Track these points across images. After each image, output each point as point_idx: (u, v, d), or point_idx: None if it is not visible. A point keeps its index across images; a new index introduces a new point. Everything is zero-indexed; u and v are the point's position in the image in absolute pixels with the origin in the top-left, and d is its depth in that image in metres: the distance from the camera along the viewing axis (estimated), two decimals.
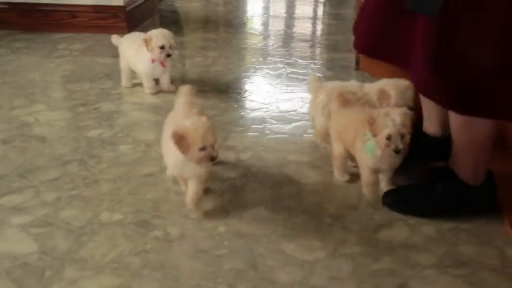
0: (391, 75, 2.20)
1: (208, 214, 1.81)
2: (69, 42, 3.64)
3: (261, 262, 1.60)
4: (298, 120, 2.50)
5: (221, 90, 2.86)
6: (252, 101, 2.74)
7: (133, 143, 2.29)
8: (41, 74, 3.07)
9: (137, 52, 2.69)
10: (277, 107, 2.65)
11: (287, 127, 2.43)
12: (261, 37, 3.98)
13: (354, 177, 2.00)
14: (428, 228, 1.75)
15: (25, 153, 2.21)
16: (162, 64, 2.68)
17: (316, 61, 3.42)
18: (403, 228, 1.75)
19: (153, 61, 2.65)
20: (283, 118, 2.52)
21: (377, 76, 2.32)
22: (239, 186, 1.97)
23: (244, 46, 3.71)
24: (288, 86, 2.92)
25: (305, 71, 3.17)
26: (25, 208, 1.85)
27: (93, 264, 1.59)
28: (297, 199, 1.90)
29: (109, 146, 2.26)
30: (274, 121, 2.49)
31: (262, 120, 2.49)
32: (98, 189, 1.96)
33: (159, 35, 2.60)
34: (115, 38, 2.87)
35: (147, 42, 2.60)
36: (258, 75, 3.11)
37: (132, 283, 1.52)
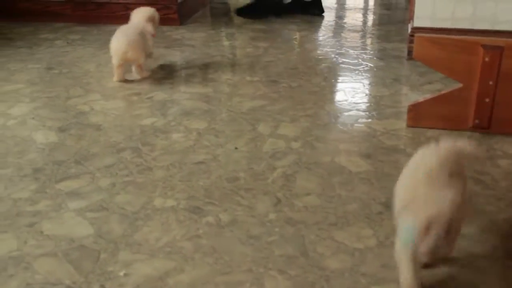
0: (445, 64, 2.17)
1: (258, 200, 1.82)
2: None
3: (311, 249, 1.60)
4: (349, 110, 2.48)
5: (271, 80, 2.87)
6: (302, 91, 2.74)
7: (185, 131, 2.33)
8: (96, 65, 3.14)
9: None
10: (328, 97, 2.64)
11: (338, 117, 2.42)
12: (312, 28, 3.96)
13: (401, 165, 1.98)
14: (481, 217, 1.72)
15: (81, 140, 2.27)
16: None
17: (367, 51, 3.39)
18: None
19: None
20: (334, 108, 2.51)
21: (430, 66, 2.29)
22: (290, 175, 1.98)
23: (294, 37, 3.71)
24: (339, 76, 2.90)
25: (356, 61, 3.15)
26: (82, 193, 1.90)
27: (147, 248, 1.62)
28: (348, 188, 1.90)
29: (162, 134, 2.30)
30: (325, 111, 2.48)
31: (314, 110, 2.49)
32: (151, 176, 1.99)
33: None
34: None
35: None
36: (309, 65, 3.10)
37: (184, 267, 1.54)
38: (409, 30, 3.17)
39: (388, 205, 1.79)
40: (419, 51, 2.20)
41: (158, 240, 1.66)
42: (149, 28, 2.89)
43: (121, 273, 1.52)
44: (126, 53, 2.76)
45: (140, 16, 2.93)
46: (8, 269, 1.55)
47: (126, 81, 2.89)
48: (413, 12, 3.05)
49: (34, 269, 1.55)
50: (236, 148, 2.16)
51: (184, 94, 2.72)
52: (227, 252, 1.60)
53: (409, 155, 2.00)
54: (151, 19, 2.92)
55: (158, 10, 3.37)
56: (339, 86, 2.76)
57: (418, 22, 3.02)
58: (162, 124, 2.39)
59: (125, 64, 2.84)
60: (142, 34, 2.83)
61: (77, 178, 2.00)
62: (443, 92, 2.30)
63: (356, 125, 2.35)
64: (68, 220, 1.76)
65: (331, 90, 2.71)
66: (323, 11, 4.28)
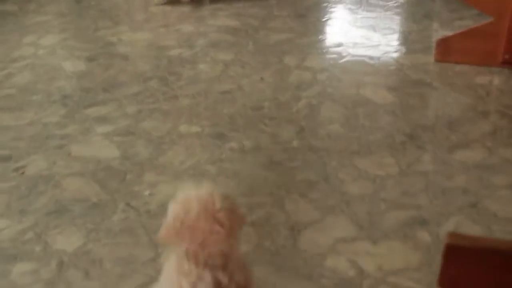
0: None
1: (281, 127, 1.84)
2: None
3: (333, 175, 1.62)
4: (378, 45, 2.45)
5: (300, 15, 2.83)
6: (330, 25, 2.71)
7: (211, 62, 2.33)
8: None
9: None
10: (356, 32, 2.60)
11: (365, 51, 2.40)
12: None
13: (427, 98, 1.97)
14: (506, 150, 1.71)
15: (109, 69, 2.30)
16: None
17: None
18: (479, 150, 1.72)
19: None
20: (361, 42, 2.48)
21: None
22: (314, 105, 1.99)
23: None
24: (368, 11, 2.85)
25: None
26: (109, 118, 1.94)
27: (171, 170, 1.66)
28: (372, 118, 1.90)
29: (189, 64, 2.31)
30: (351, 45, 2.46)
31: (340, 44, 2.46)
32: (177, 104, 2.02)
33: None
34: None
35: None
36: (337, 1, 3.05)
37: None
38: None
39: (412, 136, 1.79)
40: None
41: (182, 163, 1.69)
42: None
43: (146, 193, 1.57)
44: None
45: None
46: (38, 186, 1.61)
47: (155, 14, 2.88)
48: None
49: (63, 187, 1.60)
50: (261, 78, 2.16)
51: (211, 27, 2.70)
52: (249, 176, 1.63)
53: (436, 89, 2.00)
54: None
55: None
56: (368, 21, 2.71)
57: None
58: (189, 55, 2.40)
59: None
60: None
61: (104, 104, 2.03)
62: (473, 26, 2.25)
63: (383, 59, 2.32)
64: (96, 143, 1.81)
65: (360, 24, 2.67)
66: None
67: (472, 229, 1.40)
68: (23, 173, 1.66)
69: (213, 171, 1.65)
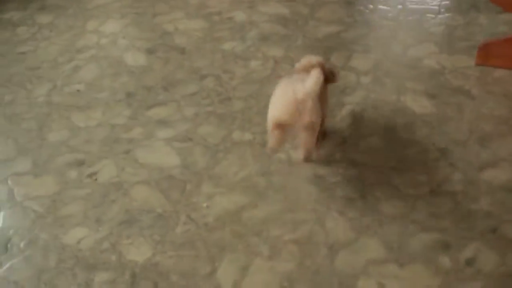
0: None
1: (327, 140, 2.01)
2: None
3: (370, 192, 1.81)
4: (421, 41, 2.55)
5: (348, 2, 2.92)
6: (379, 16, 2.81)
7: (263, 58, 2.49)
8: None
9: None
10: (403, 26, 2.70)
11: (408, 49, 2.51)
12: None
13: (463, 108, 2.10)
14: None
15: (167, 64, 2.49)
16: None
17: None
18: (507, 169, 1.87)
19: None
20: (406, 38, 2.58)
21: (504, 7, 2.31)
22: (357, 113, 2.14)
23: None
24: (416, 3, 2.93)
25: None
26: (169, 122, 2.15)
27: (226, 181, 1.87)
28: (410, 130, 2.05)
29: (241, 61, 2.48)
30: (396, 41, 2.56)
31: (386, 40, 2.58)
32: (231, 107, 2.21)
33: None
34: None
35: None
36: None
37: (258, 202, 1.79)
38: None
39: (445, 152, 1.95)
40: None
41: (236, 174, 1.90)
42: None
43: (204, 205, 1.79)
44: None
45: None
46: (110, 194, 1.85)
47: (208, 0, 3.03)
48: None
49: (131, 196, 1.84)
50: None
51: (262, 16, 2.83)
52: (295, 189, 1.83)
53: (473, 98, 2.13)
54: None
55: None
56: (414, 17, 2.78)
57: None
58: (241, 50, 2.56)
59: None
60: None
61: (165, 105, 2.24)
62: None
63: (425, 60, 2.43)
64: (158, 149, 2.03)
65: (406, 18, 2.76)
66: None
67: (489, 255, 1.59)
68: (96, 179, 1.90)
69: (263, 184, 1.86)
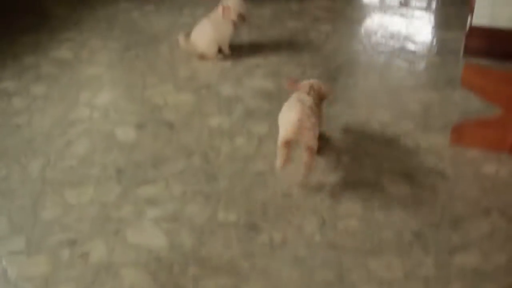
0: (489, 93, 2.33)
1: (306, 219, 2.12)
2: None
3: (347, 276, 1.91)
4: (398, 118, 2.69)
5: (331, 77, 3.06)
6: (360, 97, 2.95)
7: (247, 135, 2.62)
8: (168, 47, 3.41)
9: None
10: (379, 101, 2.84)
11: (388, 127, 2.64)
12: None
13: (439, 189, 2.23)
14: (500, 256, 1.98)
15: (156, 140, 2.61)
16: None
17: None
18: (476, 254, 1.98)
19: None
20: (385, 116, 2.72)
21: (476, 93, 2.46)
22: (336, 194, 2.26)
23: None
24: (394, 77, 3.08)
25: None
26: (157, 200, 2.25)
27: (211, 264, 1.97)
28: (386, 212, 2.17)
29: (227, 138, 2.60)
30: (375, 118, 2.70)
31: (363, 124, 2.71)
32: (216, 186, 2.32)
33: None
34: None
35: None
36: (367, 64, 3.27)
37: (241, 285, 1.89)
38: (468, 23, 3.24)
39: (419, 235, 2.06)
40: (466, 80, 2.41)
41: (220, 257, 2.00)
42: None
43: None
44: None
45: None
46: (100, 275, 1.94)
47: (196, 72, 3.17)
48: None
49: (121, 277, 1.93)
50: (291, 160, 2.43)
51: (248, 90, 2.97)
52: (277, 273, 1.93)
53: (447, 179, 2.26)
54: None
55: None
56: (392, 89, 2.94)
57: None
58: (227, 126, 2.68)
59: None
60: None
61: (153, 183, 2.34)
62: (483, 118, 2.50)
63: (402, 139, 2.56)
64: (147, 229, 2.12)
65: (384, 91, 2.91)
66: None
67: None
68: (86, 260, 1.99)
69: (246, 267, 1.96)
